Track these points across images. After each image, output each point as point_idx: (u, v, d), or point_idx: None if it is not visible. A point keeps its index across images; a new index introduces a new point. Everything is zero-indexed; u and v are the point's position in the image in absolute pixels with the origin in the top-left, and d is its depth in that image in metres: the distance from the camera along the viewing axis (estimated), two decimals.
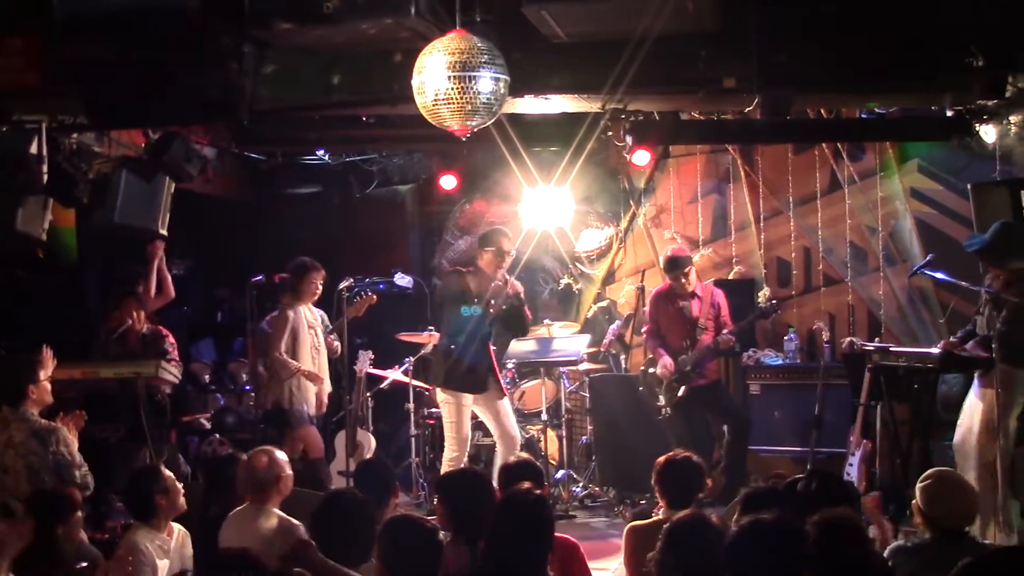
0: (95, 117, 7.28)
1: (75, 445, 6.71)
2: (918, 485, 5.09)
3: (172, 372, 8.71)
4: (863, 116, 9.15)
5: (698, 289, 9.14)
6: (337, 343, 9.76)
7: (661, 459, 5.70)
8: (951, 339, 8.06)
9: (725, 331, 8.97)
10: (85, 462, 6.65)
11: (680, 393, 8.95)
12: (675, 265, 9.11)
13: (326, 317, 9.98)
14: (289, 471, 5.81)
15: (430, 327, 10.11)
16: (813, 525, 4.16)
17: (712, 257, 10.66)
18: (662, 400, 9.03)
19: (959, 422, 7.70)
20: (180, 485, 5.79)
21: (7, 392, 6.78)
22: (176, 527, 5.82)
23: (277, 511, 5.65)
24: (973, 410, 7.55)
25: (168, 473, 5.77)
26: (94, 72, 6.77)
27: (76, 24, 6.71)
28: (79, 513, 5.77)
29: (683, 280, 9.06)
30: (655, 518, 5.56)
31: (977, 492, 5.42)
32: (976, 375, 7.65)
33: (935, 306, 9.68)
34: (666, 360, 8.97)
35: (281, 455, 5.87)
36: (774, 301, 9.27)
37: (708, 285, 9.35)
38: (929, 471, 5.24)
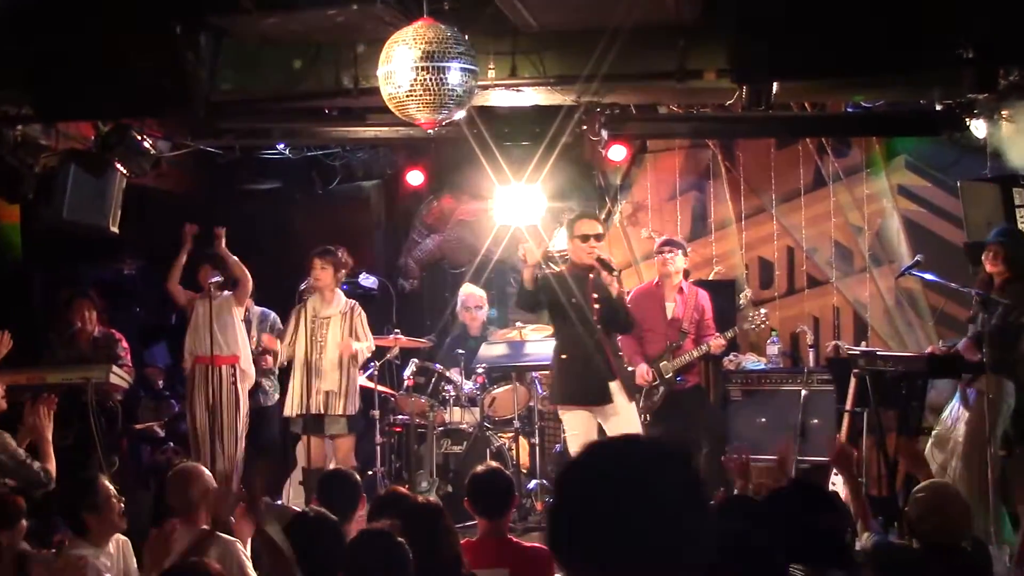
0: (42, 108, 7.24)
1: (49, 435, 6.58)
2: (910, 496, 5.10)
3: (124, 377, 8.67)
4: (849, 110, 9.20)
5: (684, 287, 9.12)
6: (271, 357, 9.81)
7: None
8: (940, 347, 8.13)
9: (716, 335, 8.93)
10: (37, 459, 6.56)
11: (659, 400, 8.94)
12: (665, 243, 9.18)
13: (278, 320, 9.94)
14: (215, 485, 5.75)
15: (396, 330, 10.08)
16: (788, 537, 4.16)
17: (691, 257, 10.67)
18: (640, 405, 9.02)
19: (938, 426, 7.78)
20: (119, 503, 5.70)
21: None
22: (115, 536, 5.76)
23: (205, 529, 5.58)
24: (958, 417, 7.61)
25: (106, 488, 5.66)
26: (41, 61, 6.72)
27: (22, 10, 6.67)
28: (23, 522, 5.72)
29: (666, 261, 9.03)
30: None
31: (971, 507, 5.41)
32: (961, 381, 7.73)
33: (924, 308, 9.75)
34: (643, 368, 8.96)
35: (205, 470, 5.81)
36: (762, 311, 9.27)
37: (692, 286, 9.33)
38: (923, 483, 5.25)
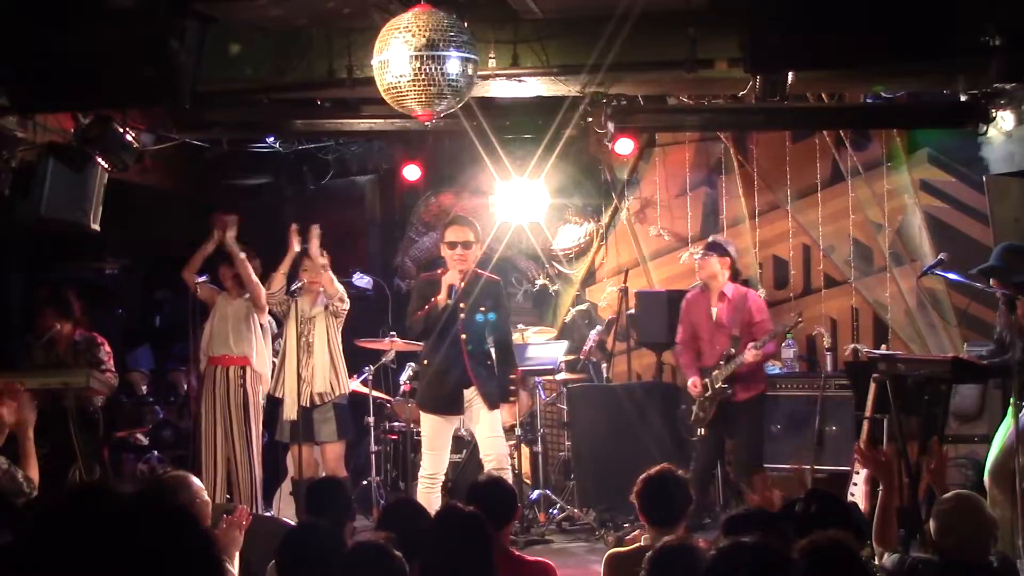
0: (18, 99, 7.21)
1: (31, 431, 6.51)
2: (934, 508, 5.07)
3: (106, 382, 8.66)
4: (868, 101, 9.17)
5: (728, 290, 9.01)
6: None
7: (642, 476, 5.68)
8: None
9: (751, 344, 8.74)
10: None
11: (710, 412, 8.87)
12: (705, 246, 9.17)
13: (273, 324, 9.92)
14: (205, 497, 5.74)
15: (392, 332, 10.07)
16: (801, 550, 4.15)
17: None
18: (694, 417, 9.01)
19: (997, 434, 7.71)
20: None
21: None
22: None
23: None
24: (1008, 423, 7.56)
25: None
26: (17, 49, 6.70)
27: None
28: None
29: (699, 266, 9.03)
30: (637, 544, 5.55)
31: (997, 520, 5.36)
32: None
33: (947, 310, 9.71)
34: (694, 379, 8.97)
35: (195, 480, 5.80)
36: (799, 315, 9.26)
37: (741, 288, 9.17)
38: (948, 494, 5.21)
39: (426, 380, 8.38)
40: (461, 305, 8.19)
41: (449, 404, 8.24)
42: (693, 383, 8.96)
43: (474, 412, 8.26)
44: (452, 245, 8.14)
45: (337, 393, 9.14)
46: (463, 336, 8.19)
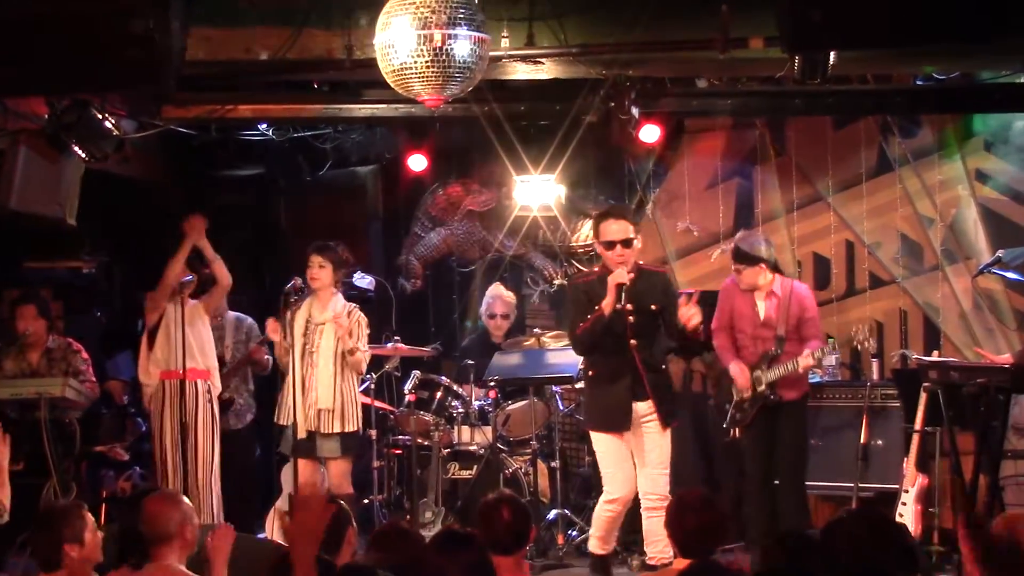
0: None
1: (5, 463, 6.55)
2: (985, 526, 5.05)
3: (83, 392, 8.65)
4: (918, 83, 9.14)
5: (777, 289, 8.72)
6: (268, 356, 9.66)
7: (675, 499, 5.68)
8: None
9: (808, 351, 8.48)
10: None
11: (750, 415, 8.72)
12: (732, 256, 8.87)
13: (255, 327, 9.89)
14: (195, 520, 5.75)
15: (396, 337, 10.05)
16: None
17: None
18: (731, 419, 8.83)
19: None
20: (100, 535, 5.70)
21: None
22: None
23: (180, 568, 5.58)
24: None
25: (90, 519, 5.65)
26: None
27: None
28: None
29: (739, 275, 8.76)
30: (666, 567, 5.55)
31: None
32: None
33: (1006, 312, 9.69)
34: (735, 368, 8.67)
35: (184, 500, 5.81)
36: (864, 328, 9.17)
37: (789, 282, 8.88)
38: (1000, 515, 5.19)
39: (592, 393, 8.25)
40: (628, 307, 7.88)
41: (617, 419, 7.99)
42: (741, 371, 8.64)
43: (644, 435, 8.01)
44: (610, 245, 7.90)
45: (345, 427, 8.80)
46: (633, 342, 7.93)
